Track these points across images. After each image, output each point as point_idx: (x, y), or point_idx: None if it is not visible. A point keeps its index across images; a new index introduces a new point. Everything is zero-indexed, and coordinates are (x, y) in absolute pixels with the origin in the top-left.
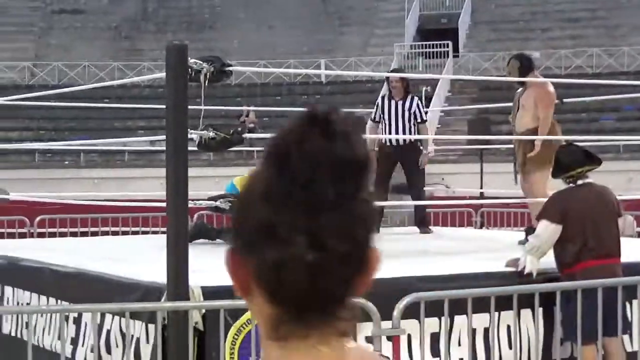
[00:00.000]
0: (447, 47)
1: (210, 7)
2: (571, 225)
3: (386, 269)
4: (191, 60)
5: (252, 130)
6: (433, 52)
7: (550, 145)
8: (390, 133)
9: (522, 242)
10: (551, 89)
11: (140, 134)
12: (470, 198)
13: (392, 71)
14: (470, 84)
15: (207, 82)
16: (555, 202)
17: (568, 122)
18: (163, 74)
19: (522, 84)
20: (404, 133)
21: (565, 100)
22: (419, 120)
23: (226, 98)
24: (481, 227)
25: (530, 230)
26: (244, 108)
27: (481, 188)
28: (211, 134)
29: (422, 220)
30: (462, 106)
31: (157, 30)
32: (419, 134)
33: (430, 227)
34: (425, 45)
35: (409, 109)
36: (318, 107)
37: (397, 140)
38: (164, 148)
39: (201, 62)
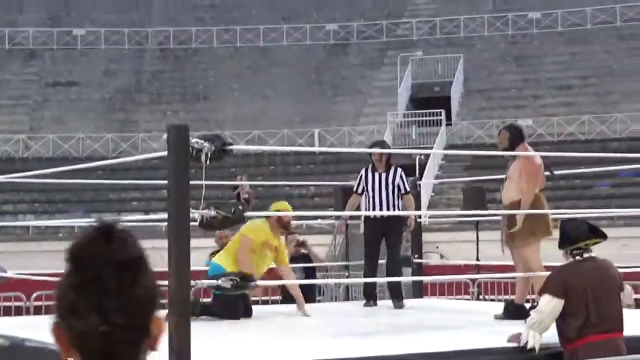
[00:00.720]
0: (440, 115)
1: (204, 78)
2: (574, 299)
3: (387, 345)
4: (192, 140)
5: (247, 201)
6: (426, 120)
7: (535, 218)
8: (374, 205)
9: (498, 317)
10: (538, 160)
11: (135, 205)
12: (466, 267)
13: (374, 144)
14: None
15: (207, 161)
16: (558, 276)
17: (562, 190)
18: (164, 153)
19: (509, 149)
20: (387, 205)
21: (555, 171)
22: (402, 191)
23: (221, 168)
24: (478, 298)
25: (510, 305)
26: (242, 183)
27: (477, 257)
28: (212, 213)
29: (398, 294)
30: (455, 173)
31: (150, 101)
32: (403, 204)
33: (403, 302)
34: (418, 113)
35: (393, 181)
36: (103, 220)
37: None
38: (160, 221)
39: (202, 142)
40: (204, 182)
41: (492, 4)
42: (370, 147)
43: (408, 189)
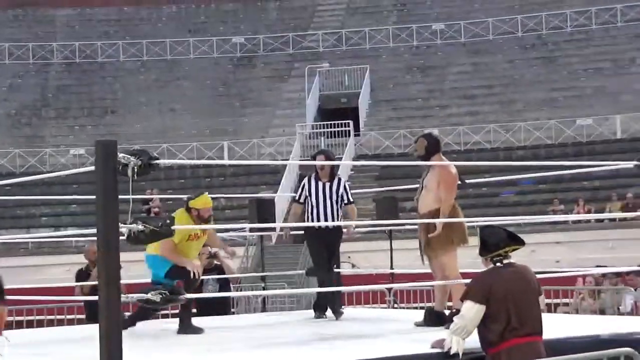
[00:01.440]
0: (348, 126)
1: (112, 92)
2: (495, 305)
3: (309, 357)
4: (119, 155)
5: (157, 214)
6: (335, 131)
7: (452, 226)
8: (317, 215)
9: (419, 324)
10: (453, 170)
11: (45, 221)
12: (379, 276)
13: (319, 152)
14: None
15: (134, 175)
16: (479, 282)
17: (470, 198)
18: (92, 168)
19: (425, 158)
20: (332, 215)
21: (467, 180)
22: (345, 201)
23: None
24: (394, 306)
25: (431, 313)
26: (152, 196)
27: (391, 266)
28: (140, 227)
29: (338, 306)
30: (364, 184)
31: (57, 116)
32: (346, 214)
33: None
34: (327, 124)
35: (337, 191)
36: None
37: (325, 223)
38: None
39: (129, 157)
40: (131, 197)
41: (396, 16)
42: (314, 156)
43: (351, 199)
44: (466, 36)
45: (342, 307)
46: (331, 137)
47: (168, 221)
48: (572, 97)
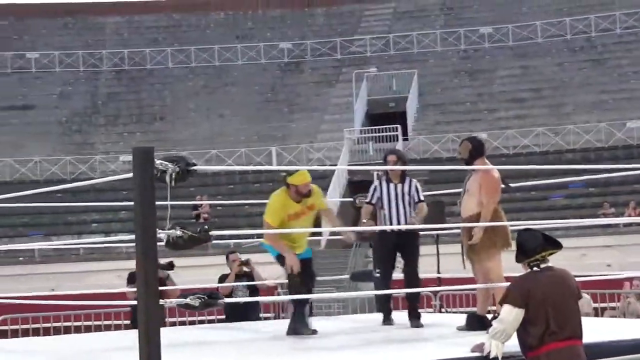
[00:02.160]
0: (396, 130)
1: (160, 99)
2: (534, 308)
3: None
4: (157, 162)
5: (206, 221)
6: (383, 136)
7: (495, 230)
8: (390, 218)
9: (461, 328)
10: (496, 174)
11: (95, 227)
12: (427, 280)
13: (390, 152)
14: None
15: (172, 182)
16: (518, 286)
17: (518, 202)
18: (128, 175)
19: (469, 162)
20: (404, 217)
21: (511, 184)
22: (416, 200)
23: (179, 188)
24: (440, 310)
25: (472, 317)
26: (201, 202)
27: (438, 270)
28: (179, 233)
29: (416, 312)
30: None
31: (107, 123)
32: (417, 212)
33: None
34: (375, 129)
35: (409, 192)
36: None
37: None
38: (123, 244)
39: (167, 163)
40: (169, 203)
41: (443, 20)
42: (385, 156)
43: (422, 198)
44: (514, 39)
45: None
46: (379, 141)
47: (207, 227)
48: (622, 99)
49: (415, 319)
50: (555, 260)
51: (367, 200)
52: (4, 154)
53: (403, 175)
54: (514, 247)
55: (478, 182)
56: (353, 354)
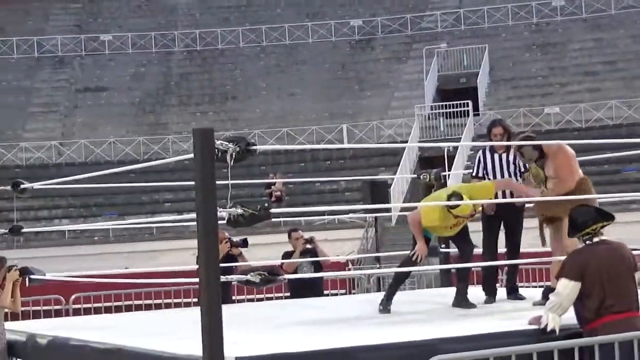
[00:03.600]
0: (467, 106)
1: (232, 79)
2: (589, 282)
3: (410, 332)
4: (217, 142)
5: (279, 199)
6: (454, 112)
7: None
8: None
9: (537, 303)
10: (570, 150)
11: (168, 207)
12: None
13: (493, 123)
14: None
15: (232, 161)
16: (573, 260)
17: (592, 175)
18: (191, 155)
19: (542, 156)
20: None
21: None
22: (522, 170)
23: (251, 167)
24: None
25: (547, 290)
26: (274, 180)
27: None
28: (239, 211)
29: (514, 286)
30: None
31: (179, 103)
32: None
33: (521, 294)
34: (445, 105)
35: (514, 162)
36: None
37: (505, 196)
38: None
39: (227, 143)
40: (229, 182)
41: None
42: (489, 127)
43: (528, 167)
44: (587, 12)
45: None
46: (450, 117)
47: (267, 205)
48: None
49: (513, 293)
50: (627, 234)
51: (474, 174)
52: (79, 135)
53: (508, 145)
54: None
55: (556, 164)
56: (410, 326)
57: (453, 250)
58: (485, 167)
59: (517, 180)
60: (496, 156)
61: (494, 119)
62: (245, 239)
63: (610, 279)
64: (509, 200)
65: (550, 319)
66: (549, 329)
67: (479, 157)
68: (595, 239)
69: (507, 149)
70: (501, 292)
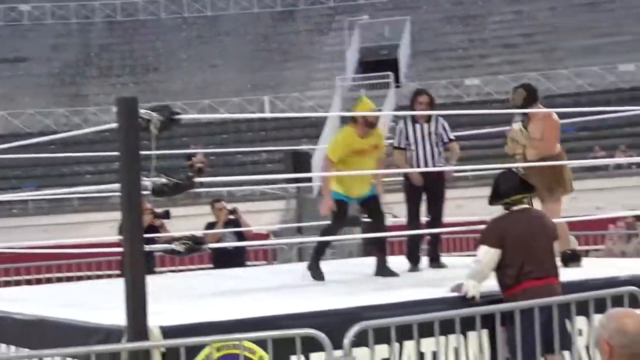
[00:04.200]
0: (389, 77)
1: (153, 50)
2: (509, 249)
3: (336, 300)
4: (141, 112)
5: (200, 170)
6: (375, 83)
7: (555, 170)
8: (417, 159)
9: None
10: (557, 118)
11: (88, 178)
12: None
13: (418, 92)
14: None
15: (157, 131)
16: (494, 227)
17: None
18: (114, 125)
19: (525, 114)
20: (431, 158)
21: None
22: (446, 140)
23: (173, 138)
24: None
25: (566, 255)
26: (195, 151)
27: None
28: (163, 180)
29: (436, 255)
30: None
31: (100, 74)
32: (450, 153)
33: (443, 262)
34: (367, 77)
35: (435, 132)
36: None
37: (426, 167)
38: (112, 192)
39: (151, 113)
40: (154, 152)
41: None
42: (414, 96)
43: (452, 137)
44: None
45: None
46: (372, 89)
47: (191, 174)
48: (614, 44)
49: (435, 261)
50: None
51: (396, 145)
52: None
53: (429, 115)
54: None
55: (541, 127)
56: (335, 295)
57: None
58: (407, 138)
59: (439, 151)
60: (417, 126)
61: (418, 88)
62: (168, 211)
63: (529, 246)
64: (432, 169)
65: (471, 286)
66: (469, 295)
67: (400, 128)
68: (515, 208)
69: (429, 119)
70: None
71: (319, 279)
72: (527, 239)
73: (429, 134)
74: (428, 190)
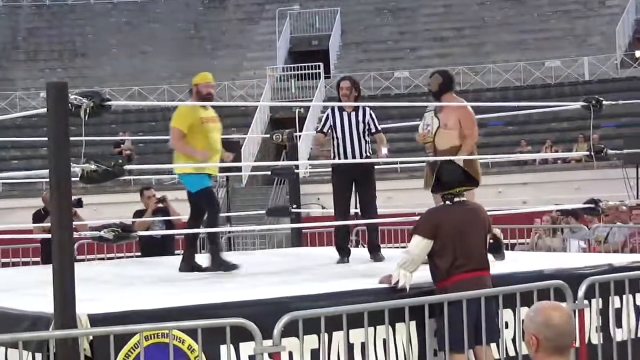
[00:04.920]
0: (319, 68)
1: (82, 35)
2: (442, 240)
3: (266, 290)
4: (71, 97)
5: (129, 157)
6: (305, 74)
7: (472, 163)
8: (344, 148)
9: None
10: (471, 109)
11: (15, 164)
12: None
13: (342, 79)
14: None
15: (87, 116)
16: (428, 218)
17: None
18: (43, 110)
19: (438, 101)
20: (358, 147)
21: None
22: (373, 130)
23: (102, 125)
24: (357, 245)
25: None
26: (123, 138)
27: (356, 207)
28: (93, 167)
29: (375, 246)
30: None
31: (28, 58)
32: (378, 144)
33: (382, 254)
34: (297, 67)
35: (362, 121)
36: None
37: (352, 157)
38: (40, 179)
39: (81, 98)
40: (84, 139)
41: None
42: (337, 83)
43: (379, 128)
44: None
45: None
46: (302, 79)
47: (121, 161)
48: (541, 40)
49: (375, 253)
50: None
51: (319, 130)
52: None
53: (356, 104)
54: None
55: (456, 116)
56: (264, 285)
57: (304, 210)
58: (333, 125)
59: (366, 140)
60: (345, 114)
61: (344, 75)
62: (80, 199)
63: (462, 239)
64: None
65: (401, 275)
66: (399, 285)
67: (327, 114)
68: (456, 199)
69: (356, 108)
70: (360, 252)
71: (233, 268)
72: (461, 232)
73: (357, 122)
74: (356, 181)
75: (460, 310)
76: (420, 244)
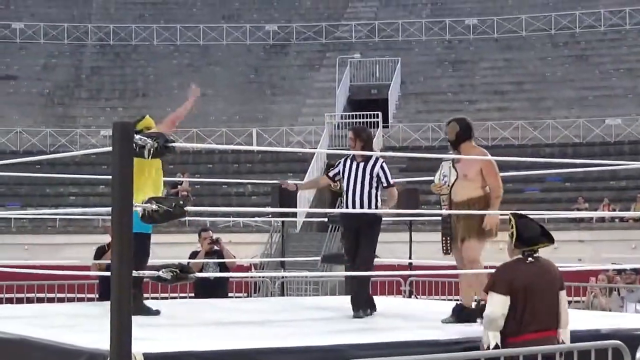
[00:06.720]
0: (377, 117)
1: (144, 76)
2: (515, 298)
3: (319, 338)
4: (136, 137)
5: (186, 198)
6: (363, 122)
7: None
8: (348, 198)
9: (447, 321)
10: (492, 159)
11: (72, 200)
12: (399, 267)
13: (349, 129)
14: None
15: (150, 157)
16: (503, 274)
17: None
18: (109, 148)
19: (456, 150)
20: (361, 198)
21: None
22: (384, 184)
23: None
24: (410, 296)
25: (459, 309)
26: (182, 179)
27: (410, 257)
28: (154, 207)
29: (357, 301)
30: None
31: (90, 96)
32: (383, 198)
33: (365, 311)
34: (356, 115)
35: (371, 172)
36: None
37: (354, 207)
38: (98, 216)
39: (146, 138)
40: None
41: (429, 9)
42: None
43: (390, 182)
44: (499, 32)
45: (368, 309)
46: None
47: (182, 202)
48: (602, 97)
49: (355, 308)
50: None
51: (326, 173)
52: None
53: (367, 156)
54: (499, 237)
55: (478, 166)
56: (334, 333)
57: None
58: (342, 172)
59: (370, 190)
60: (354, 164)
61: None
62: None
63: (533, 297)
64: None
65: (490, 337)
66: (492, 347)
67: (339, 162)
68: (530, 259)
69: (367, 158)
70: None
71: (152, 313)
72: (532, 290)
73: (363, 172)
74: (358, 231)
75: None
76: (499, 302)
